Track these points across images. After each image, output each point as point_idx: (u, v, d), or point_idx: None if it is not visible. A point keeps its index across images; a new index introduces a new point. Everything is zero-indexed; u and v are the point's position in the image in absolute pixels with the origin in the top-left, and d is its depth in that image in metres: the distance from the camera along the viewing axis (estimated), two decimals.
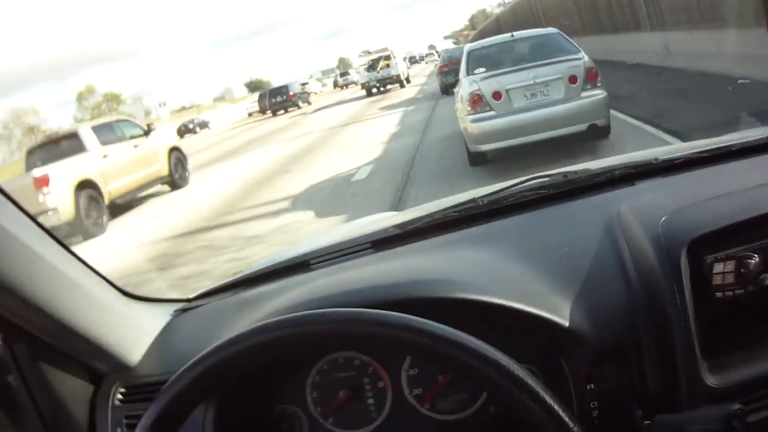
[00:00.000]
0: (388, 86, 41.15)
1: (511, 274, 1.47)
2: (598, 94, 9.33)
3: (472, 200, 1.88)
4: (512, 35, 11.10)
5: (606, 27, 23.26)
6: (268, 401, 1.57)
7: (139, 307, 1.66)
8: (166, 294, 1.81)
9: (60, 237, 1.40)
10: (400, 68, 42.05)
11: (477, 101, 9.55)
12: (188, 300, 1.85)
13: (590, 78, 9.31)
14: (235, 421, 1.48)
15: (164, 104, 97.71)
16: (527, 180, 1.90)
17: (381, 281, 1.51)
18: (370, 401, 1.54)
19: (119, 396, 1.54)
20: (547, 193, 1.80)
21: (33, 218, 1.31)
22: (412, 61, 74.85)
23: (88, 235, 13.91)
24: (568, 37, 10.68)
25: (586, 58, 9.68)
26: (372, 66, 41.51)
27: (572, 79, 9.27)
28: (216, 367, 1.13)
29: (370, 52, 44.13)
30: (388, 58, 41.65)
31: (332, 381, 1.55)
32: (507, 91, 9.43)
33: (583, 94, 9.23)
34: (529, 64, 9.74)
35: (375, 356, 1.53)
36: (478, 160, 10.20)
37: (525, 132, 9.30)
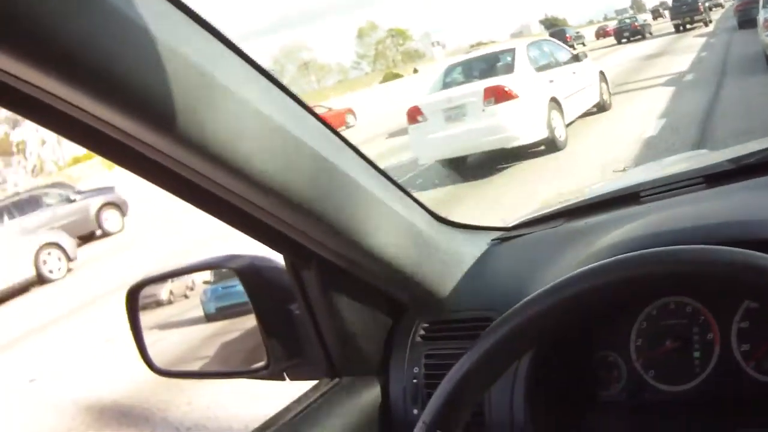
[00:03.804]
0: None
1: None
2: None
3: None
4: None
5: None
6: (589, 348, 1.52)
7: (454, 234, 1.58)
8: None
9: None
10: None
11: None
12: (507, 228, 1.77)
13: None
14: (552, 368, 1.43)
15: (437, 43, 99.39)
16: None
17: (717, 219, 1.41)
18: (696, 354, 1.45)
19: (421, 332, 1.50)
20: None
21: (338, 133, 1.25)
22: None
23: None
24: None
25: None
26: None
27: None
28: (551, 309, 1.04)
29: None
30: None
31: (659, 329, 1.47)
32: None
33: None
34: None
35: (707, 303, 1.44)
36: None
37: None
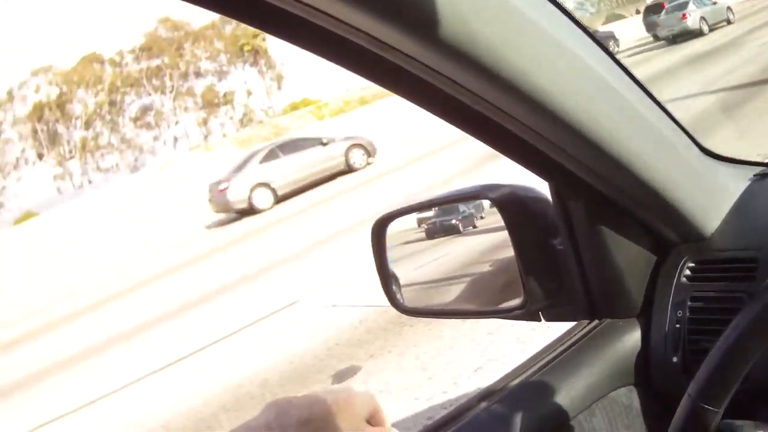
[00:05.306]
0: None
1: None
2: None
3: None
4: None
5: None
6: None
7: (718, 167, 1.51)
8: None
9: None
10: None
11: None
12: None
13: None
14: None
15: None
16: None
17: None
18: None
19: (687, 272, 1.44)
20: None
21: (612, 54, 1.20)
22: None
23: None
24: None
25: None
26: None
27: None
28: None
29: None
30: None
31: None
32: None
33: None
34: None
35: None
36: None
37: None
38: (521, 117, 1.10)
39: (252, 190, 25.15)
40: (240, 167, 26.44)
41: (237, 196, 24.98)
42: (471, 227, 1.75)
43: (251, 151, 29.39)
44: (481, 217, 1.69)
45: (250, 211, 24.99)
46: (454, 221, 1.76)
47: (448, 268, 1.76)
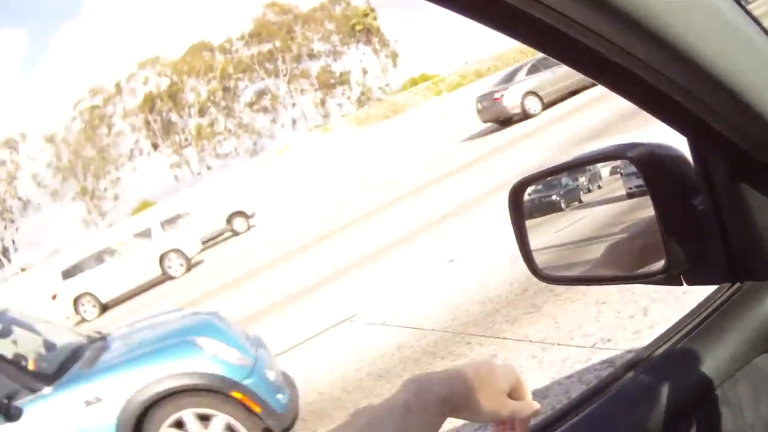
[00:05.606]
0: None
1: None
2: None
3: None
4: None
5: None
6: None
7: None
8: None
9: None
10: None
11: None
12: None
13: None
14: None
15: None
16: None
17: None
18: None
19: None
20: None
21: (743, 7, 1.12)
22: None
23: None
24: None
25: None
26: None
27: None
28: None
29: None
30: None
31: None
32: None
33: None
34: None
35: None
36: None
37: None
38: (659, 66, 1.08)
39: (524, 98, 28.33)
40: (508, 79, 29.76)
41: (512, 102, 28.40)
42: (576, 203, 1.72)
43: (516, 65, 32.57)
44: (599, 187, 1.66)
45: (524, 117, 28.07)
46: (554, 197, 1.74)
47: (585, 232, 1.73)
